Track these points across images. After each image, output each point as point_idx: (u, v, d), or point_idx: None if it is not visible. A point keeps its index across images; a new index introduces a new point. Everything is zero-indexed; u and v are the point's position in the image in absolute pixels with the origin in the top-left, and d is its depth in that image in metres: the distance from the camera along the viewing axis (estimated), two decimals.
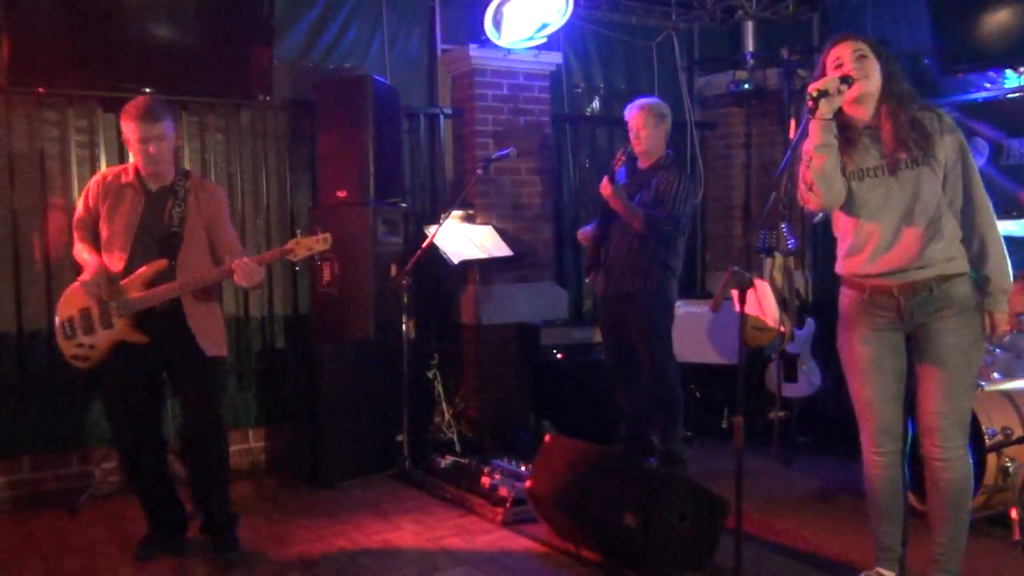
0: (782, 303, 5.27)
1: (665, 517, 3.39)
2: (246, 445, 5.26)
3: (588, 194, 6.30)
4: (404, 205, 5.39)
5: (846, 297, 3.15)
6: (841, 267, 3.14)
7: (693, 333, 5.69)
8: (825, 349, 5.14)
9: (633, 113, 4.78)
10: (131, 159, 3.79)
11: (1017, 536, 3.65)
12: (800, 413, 5.51)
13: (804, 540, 3.88)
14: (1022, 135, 5.31)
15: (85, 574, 3.68)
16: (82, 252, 3.74)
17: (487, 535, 4.05)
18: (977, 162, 3.10)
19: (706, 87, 6.94)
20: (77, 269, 3.78)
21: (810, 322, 5.38)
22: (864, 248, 3.03)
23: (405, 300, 4.89)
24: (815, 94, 2.86)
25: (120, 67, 4.69)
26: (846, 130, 3.03)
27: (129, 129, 3.63)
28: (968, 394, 3.03)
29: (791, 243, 5.28)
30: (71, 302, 3.69)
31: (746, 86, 6.62)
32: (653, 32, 6.64)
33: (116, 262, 3.67)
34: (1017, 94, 5.35)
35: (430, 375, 5.54)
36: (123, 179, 3.76)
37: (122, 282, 3.63)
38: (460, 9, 5.84)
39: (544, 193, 6.00)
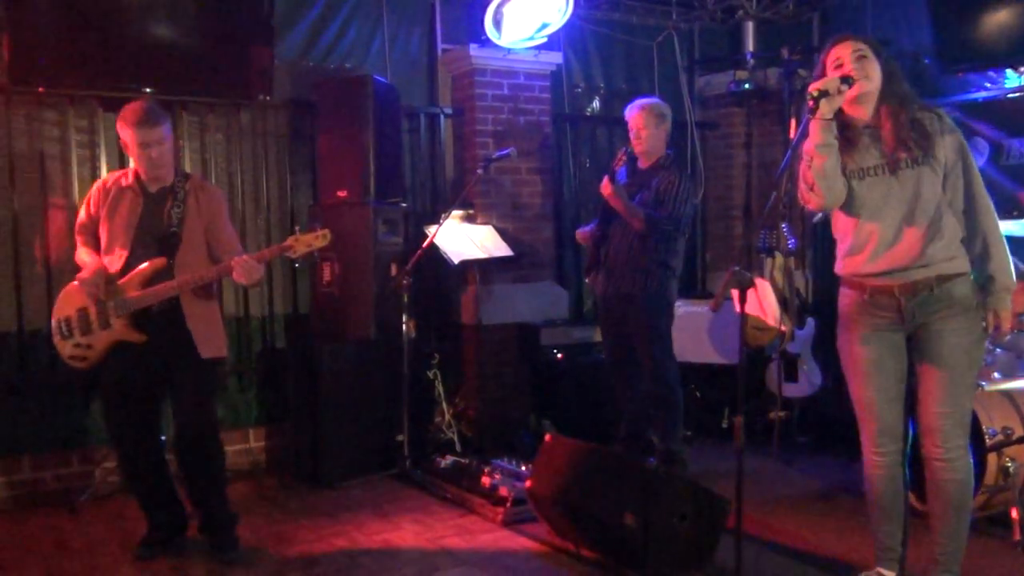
0: (782, 303, 5.27)
1: (665, 517, 3.39)
2: (246, 445, 5.26)
3: (588, 194, 6.30)
4: (404, 205, 5.38)
5: (846, 298, 3.15)
6: (841, 267, 3.14)
7: (693, 333, 5.69)
8: (825, 349, 5.14)
9: (633, 113, 4.78)
10: (131, 162, 3.80)
11: (1017, 536, 3.65)
12: (800, 413, 5.51)
13: (804, 540, 3.88)
14: (1022, 135, 5.31)
15: (85, 574, 3.68)
16: (82, 255, 3.76)
17: (487, 535, 4.05)
18: (977, 162, 3.10)
19: (706, 87, 6.94)
20: (77, 270, 3.78)
21: (810, 322, 5.38)
22: (864, 247, 3.03)
23: (405, 300, 4.89)
24: (815, 94, 2.86)
25: (120, 67, 4.68)
26: (846, 129, 3.03)
27: (128, 135, 3.63)
28: (969, 394, 3.03)
29: (791, 243, 5.28)
30: (68, 302, 3.70)
31: (747, 86, 6.62)
32: (653, 32, 6.64)
33: (115, 262, 3.67)
34: (1017, 94, 5.34)
35: (430, 375, 5.54)
36: (123, 183, 3.77)
37: (120, 282, 3.63)
38: (460, 9, 5.84)
39: (544, 193, 6.00)
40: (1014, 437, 3.74)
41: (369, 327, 4.98)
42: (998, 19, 5.13)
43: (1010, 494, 3.75)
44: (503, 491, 4.26)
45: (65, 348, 3.69)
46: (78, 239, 3.82)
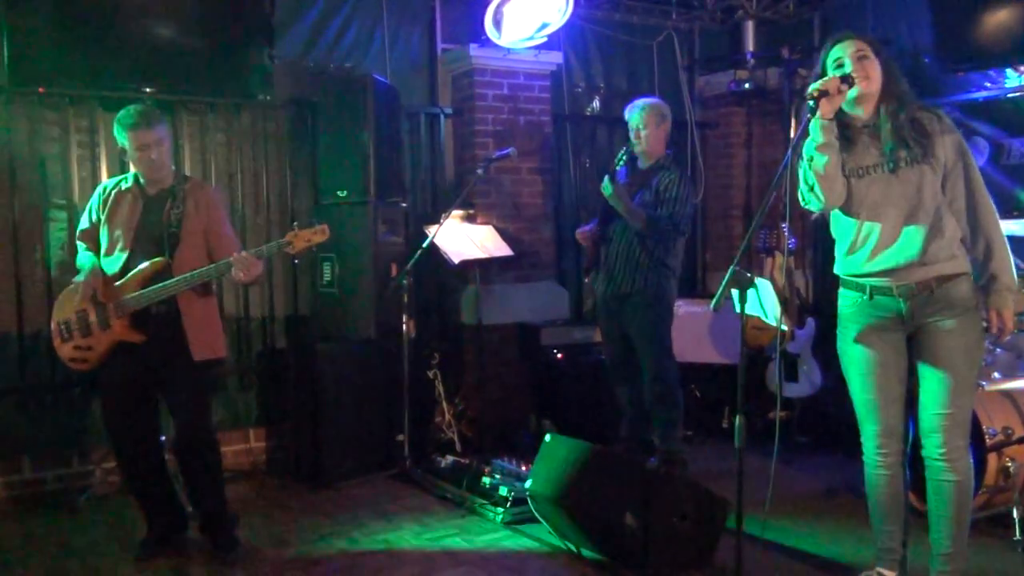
0: (782, 303, 5.26)
1: (665, 517, 3.40)
2: (246, 445, 5.26)
3: (588, 194, 6.30)
4: (404, 205, 5.38)
5: (846, 299, 3.15)
6: (840, 267, 3.14)
7: (693, 333, 5.69)
8: (825, 349, 5.13)
9: (633, 113, 4.78)
10: (130, 166, 3.80)
11: (1018, 536, 3.65)
12: (801, 413, 5.51)
13: (804, 540, 3.88)
14: (1022, 135, 5.31)
15: (85, 574, 3.68)
16: (82, 258, 3.78)
17: (488, 535, 4.05)
18: (977, 162, 3.10)
19: (707, 87, 6.94)
20: (78, 272, 3.78)
21: (810, 322, 5.38)
22: (864, 246, 3.02)
23: (405, 300, 4.89)
24: (815, 94, 2.86)
25: (120, 67, 4.69)
26: (846, 129, 3.03)
27: (126, 138, 3.64)
28: (969, 394, 3.03)
29: (791, 243, 5.28)
30: (67, 304, 3.70)
31: (747, 86, 6.62)
32: (654, 32, 6.65)
33: (114, 263, 3.68)
34: (1017, 93, 5.34)
35: (430, 375, 5.55)
36: (122, 186, 3.79)
37: (119, 283, 3.63)
38: (460, 9, 5.84)
39: (544, 193, 6.00)
40: (1014, 437, 3.74)
41: (369, 327, 4.98)
42: (998, 19, 5.12)
43: (1010, 494, 3.75)
44: (503, 491, 4.26)
45: (65, 350, 3.70)
46: (80, 245, 3.84)
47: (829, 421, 5.32)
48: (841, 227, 3.11)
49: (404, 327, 4.91)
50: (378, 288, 4.95)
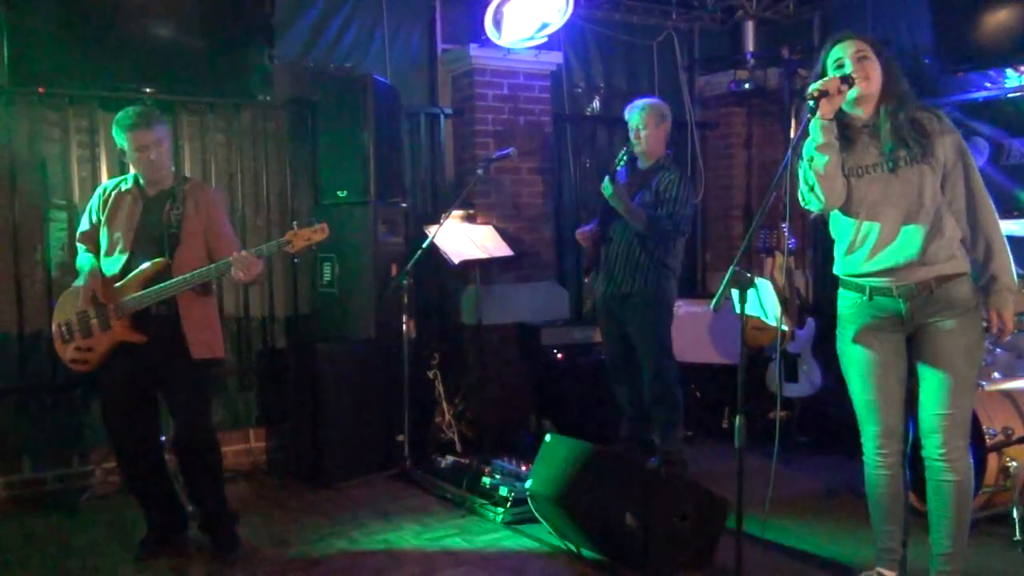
0: (783, 303, 5.26)
1: (665, 517, 3.40)
2: (247, 445, 5.26)
3: (589, 194, 6.30)
4: (404, 205, 5.38)
5: (845, 299, 3.14)
6: (839, 267, 3.13)
7: (693, 333, 5.69)
8: (826, 349, 5.13)
9: (633, 113, 4.78)
10: (130, 167, 3.81)
11: (1018, 536, 3.65)
12: (801, 413, 5.50)
13: (804, 540, 3.88)
14: (1022, 135, 5.31)
15: (86, 574, 3.68)
16: (81, 260, 3.79)
17: (488, 535, 4.05)
18: (977, 162, 3.10)
19: (707, 87, 6.94)
20: (78, 273, 3.79)
21: (811, 322, 5.38)
22: (863, 246, 3.02)
23: (405, 300, 4.89)
24: (816, 94, 2.86)
25: (121, 67, 4.69)
26: (846, 128, 3.03)
27: (125, 139, 3.64)
28: (969, 395, 3.02)
29: (791, 243, 5.27)
30: (68, 306, 3.71)
31: (747, 86, 6.62)
32: (654, 32, 6.65)
33: (115, 265, 3.69)
34: (1017, 93, 5.34)
35: (431, 375, 5.54)
36: (122, 187, 3.79)
37: (120, 284, 3.64)
38: (460, 9, 5.84)
39: (545, 193, 6.00)
40: (1014, 437, 3.74)
41: (369, 327, 4.98)
42: (998, 19, 5.13)
43: (1011, 494, 3.75)
44: (504, 491, 4.26)
45: (66, 352, 3.70)
46: (80, 247, 3.84)
47: (829, 421, 5.32)
48: (840, 227, 3.11)
49: (404, 327, 4.91)
50: (378, 288, 4.95)
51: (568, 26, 5.63)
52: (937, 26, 5.35)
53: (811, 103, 2.87)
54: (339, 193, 5.09)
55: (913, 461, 3.17)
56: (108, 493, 4.64)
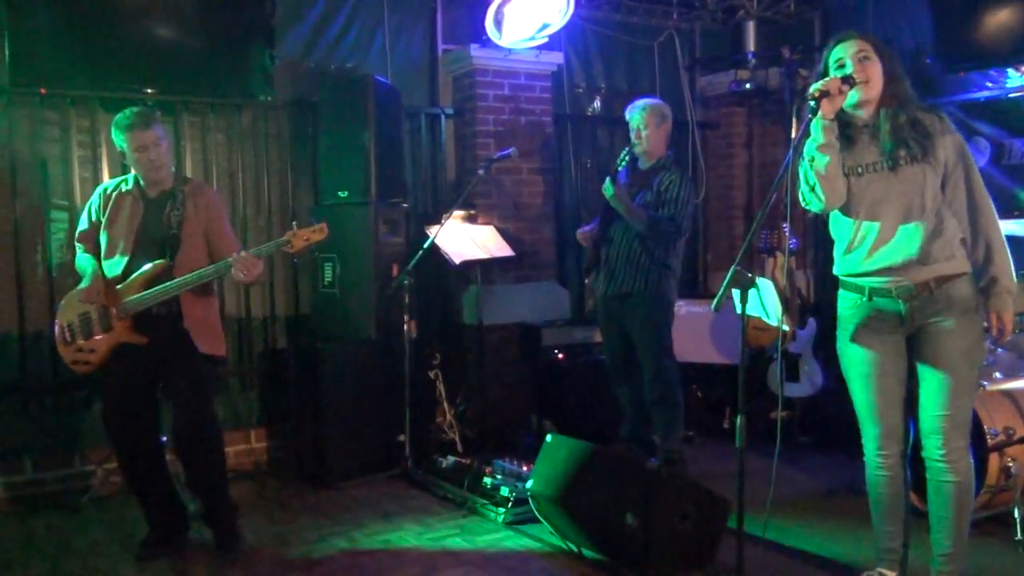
0: (784, 303, 5.27)
1: (666, 517, 3.39)
2: (248, 445, 5.26)
3: (589, 194, 6.30)
4: (405, 205, 5.38)
5: (845, 300, 3.14)
6: (839, 267, 3.13)
7: (694, 333, 5.69)
8: (827, 349, 5.13)
9: (634, 113, 4.78)
10: (131, 168, 3.81)
11: (1019, 535, 3.65)
12: (802, 413, 5.50)
13: (805, 540, 3.88)
14: (1023, 135, 5.31)
15: (86, 574, 3.68)
16: (81, 262, 3.80)
17: (489, 535, 4.05)
18: (979, 162, 3.10)
19: (708, 87, 6.94)
20: (78, 274, 3.79)
21: (812, 322, 5.38)
22: (862, 244, 3.01)
23: (406, 300, 4.89)
24: (816, 94, 2.86)
25: (122, 68, 4.69)
26: (847, 128, 3.03)
27: (124, 140, 3.66)
28: (969, 395, 3.02)
29: (793, 243, 5.27)
30: (70, 308, 3.71)
31: (748, 86, 6.62)
32: (654, 32, 6.65)
33: (116, 267, 3.70)
34: (1018, 93, 5.34)
35: (432, 375, 5.54)
36: (123, 188, 3.80)
37: (121, 286, 3.64)
38: (461, 9, 5.84)
39: (545, 193, 6.00)
40: (1015, 437, 3.74)
41: (370, 327, 4.98)
42: (999, 18, 5.12)
43: (1012, 494, 3.75)
44: (504, 491, 4.26)
45: (68, 353, 3.71)
46: (78, 246, 3.84)
47: (830, 421, 5.32)
48: (840, 226, 3.10)
49: (405, 327, 4.91)
50: (379, 288, 4.95)
51: (569, 26, 5.63)
52: (938, 26, 5.35)
53: (812, 103, 2.87)
54: (340, 193, 5.09)
55: (914, 461, 3.17)
56: (109, 494, 4.63)
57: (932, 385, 2.98)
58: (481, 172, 5.20)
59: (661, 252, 4.67)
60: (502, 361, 5.70)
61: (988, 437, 3.71)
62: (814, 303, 6.16)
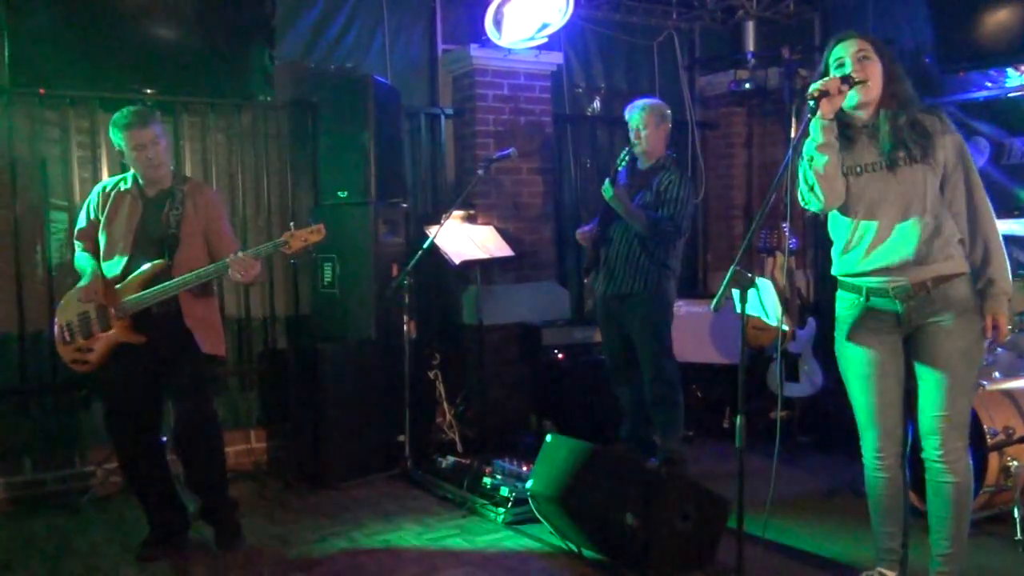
0: (783, 303, 5.26)
1: (666, 517, 3.39)
2: (248, 446, 5.27)
3: (589, 194, 6.30)
4: (405, 205, 5.38)
5: (843, 301, 3.14)
6: (837, 267, 3.12)
7: (694, 333, 5.69)
8: (826, 349, 5.13)
9: (633, 113, 4.78)
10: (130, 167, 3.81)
11: (1019, 535, 3.65)
12: (802, 413, 5.50)
13: (805, 540, 3.88)
14: (1023, 134, 5.31)
15: (87, 575, 3.68)
16: (80, 261, 3.80)
17: (489, 535, 4.05)
18: (978, 162, 3.10)
19: (707, 87, 6.94)
20: (78, 274, 3.79)
21: (811, 322, 5.38)
22: (860, 244, 3.01)
23: (406, 300, 4.89)
24: (816, 94, 2.86)
25: (121, 68, 4.69)
26: (847, 128, 3.02)
27: (122, 139, 3.66)
28: (968, 396, 3.02)
29: (792, 242, 5.27)
30: (69, 308, 3.72)
31: (747, 86, 6.62)
32: (654, 32, 6.65)
33: (115, 266, 3.70)
34: (1018, 93, 5.34)
35: (431, 375, 5.54)
36: (122, 187, 3.80)
37: (120, 285, 3.64)
38: (461, 9, 5.84)
39: (545, 193, 6.00)
40: (1015, 436, 3.74)
41: (370, 328, 4.98)
42: (999, 18, 5.13)
43: (1012, 493, 3.75)
44: (504, 491, 4.26)
45: (67, 352, 3.72)
46: (78, 244, 3.84)
47: (830, 421, 5.32)
48: (838, 226, 3.10)
49: (405, 327, 4.92)
50: (379, 289, 4.95)
51: (568, 26, 5.63)
52: (938, 26, 5.35)
53: (811, 103, 2.86)
54: (340, 193, 5.09)
55: (913, 461, 3.17)
56: (109, 494, 4.63)
57: (930, 386, 2.97)
58: (481, 172, 5.20)
59: (661, 252, 4.67)
60: (502, 361, 5.70)
61: (988, 437, 3.71)
62: (814, 303, 6.16)
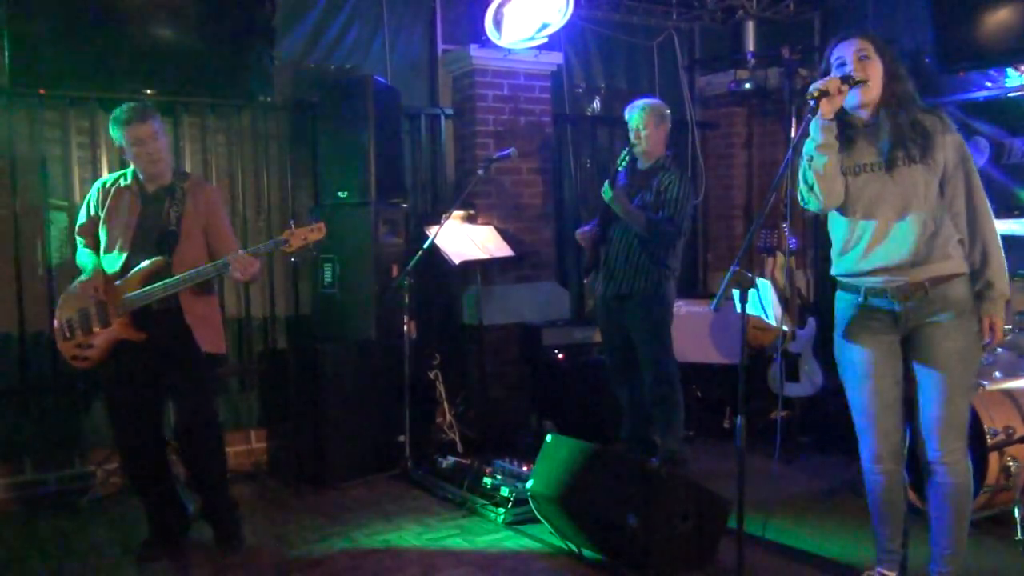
0: (783, 303, 5.27)
1: (666, 517, 3.39)
2: (248, 446, 5.27)
3: (589, 194, 6.30)
4: (405, 205, 5.39)
5: (841, 301, 3.13)
6: (836, 267, 3.12)
7: (694, 333, 5.69)
8: (827, 349, 5.13)
9: (633, 113, 4.78)
10: (131, 164, 3.81)
11: (1019, 535, 3.65)
12: (802, 413, 5.50)
13: (805, 540, 3.88)
14: (1023, 134, 5.31)
15: (87, 575, 3.68)
16: (82, 257, 3.80)
17: (489, 535, 4.05)
18: (978, 161, 3.09)
19: (707, 87, 6.95)
20: (78, 272, 3.80)
21: (811, 322, 5.38)
22: (858, 244, 3.01)
23: (406, 301, 4.89)
24: (816, 94, 2.85)
25: (121, 68, 4.69)
26: (847, 128, 3.02)
27: (121, 134, 3.66)
28: (966, 397, 3.01)
29: (792, 243, 5.27)
30: (69, 304, 3.72)
31: (747, 86, 6.62)
32: (654, 32, 6.65)
33: (115, 263, 3.69)
34: (1018, 93, 5.35)
35: (432, 375, 5.54)
36: (122, 183, 3.80)
37: (120, 282, 3.64)
38: (461, 9, 5.84)
39: (545, 193, 6.00)
40: (1015, 436, 3.74)
41: (370, 328, 4.98)
42: (999, 18, 5.13)
43: (1012, 493, 3.75)
44: (505, 492, 4.26)
45: (67, 349, 3.71)
46: (79, 240, 3.84)
47: (830, 421, 5.31)
48: (837, 226, 3.09)
49: (405, 328, 4.91)
50: (379, 289, 4.95)
51: (568, 26, 5.63)
52: (938, 26, 5.35)
53: (812, 103, 2.86)
54: (340, 194, 5.09)
55: (913, 459, 3.17)
56: (109, 494, 4.63)
57: (928, 386, 2.97)
58: (480, 172, 5.20)
59: (661, 252, 4.67)
60: (502, 361, 5.71)
61: (988, 437, 3.71)
62: (814, 303, 6.16)
